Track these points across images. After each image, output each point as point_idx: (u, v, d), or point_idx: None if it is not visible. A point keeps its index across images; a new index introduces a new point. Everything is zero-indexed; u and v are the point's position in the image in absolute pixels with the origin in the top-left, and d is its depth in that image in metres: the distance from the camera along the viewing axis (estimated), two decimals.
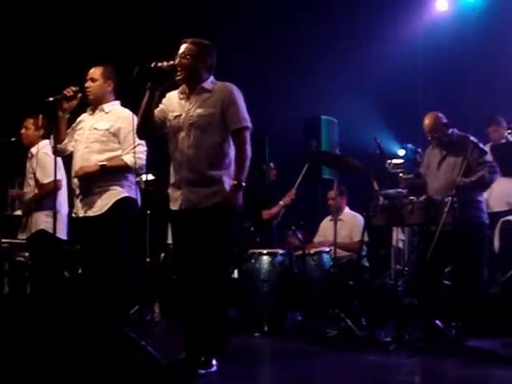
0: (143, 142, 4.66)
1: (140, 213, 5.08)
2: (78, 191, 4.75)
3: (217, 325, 4.07)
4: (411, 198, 5.23)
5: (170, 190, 4.27)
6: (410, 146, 6.79)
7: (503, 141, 6.55)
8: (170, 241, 7.33)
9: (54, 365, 2.94)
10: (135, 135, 4.52)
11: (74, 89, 4.71)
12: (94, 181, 4.69)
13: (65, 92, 4.68)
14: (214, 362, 3.98)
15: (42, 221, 5.64)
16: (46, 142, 5.68)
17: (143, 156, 4.69)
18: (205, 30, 4.60)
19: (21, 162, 6.02)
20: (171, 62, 4.04)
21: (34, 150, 5.79)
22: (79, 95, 4.75)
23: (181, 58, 4.12)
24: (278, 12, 8.55)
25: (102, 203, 4.68)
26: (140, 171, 4.79)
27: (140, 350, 3.14)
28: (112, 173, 4.70)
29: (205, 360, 3.96)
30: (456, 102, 7.91)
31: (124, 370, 3.05)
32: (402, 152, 6.98)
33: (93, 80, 4.81)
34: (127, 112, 4.78)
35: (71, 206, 5.26)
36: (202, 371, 3.90)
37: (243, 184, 4.05)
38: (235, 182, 4.04)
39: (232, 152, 4.17)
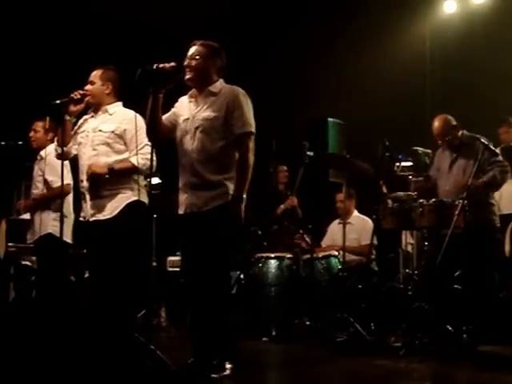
0: (149, 143, 4.59)
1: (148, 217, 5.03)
2: (86, 194, 4.71)
3: (224, 328, 4.02)
4: (421, 200, 5.18)
5: (178, 195, 4.23)
6: (420, 149, 6.73)
7: None
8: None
9: (61, 368, 2.92)
10: (141, 136, 4.49)
11: (81, 92, 4.68)
12: (102, 184, 4.64)
13: (72, 95, 4.66)
14: (227, 365, 3.92)
15: (49, 224, 5.61)
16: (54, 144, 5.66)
17: (150, 157, 4.63)
18: (208, 32, 4.57)
19: (27, 166, 5.99)
20: (173, 64, 4.00)
21: (43, 152, 5.77)
22: (86, 99, 4.72)
23: (190, 59, 4.09)
24: (283, 13, 8.52)
25: (112, 207, 4.63)
26: (148, 172, 4.73)
27: (149, 354, 3.11)
28: (121, 175, 4.66)
29: (218, 364, 3.91)
30: (464, 104, 7.85)
31: (133, 373, 3.02)
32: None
33: (92, 83, 4.80)
34: (132, 113, 4.74)
35: (77, 210, 5.22)
36: (215, 375, 3.85)
37: (244, 196, 3.99)
38: (235, 194, 3.97)
39: (236, 156, 4.10)
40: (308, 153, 6.76)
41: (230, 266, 4.19)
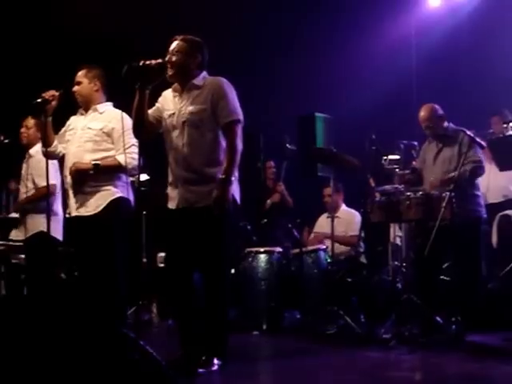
0: (136, 143, 4.61)
1: (135, 213, 5.05)
2: (71, 190, 4.75)
3: (219, 324, 4.06)
4: (408, 193, 5.20)
5: (168, 189, 4.25)
6: (404, 142, 6.77)
7: (500, 135, 6.52)
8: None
9: (53, 366, 2.92)
10: (129, 136, 4.50)
11: (49, 94, 4.65)
12: (87, 180, 4.67)
13: (47, 97, 4.64)
14: (215, 361, 3.97)
15: (41, 222, 5.62)
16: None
17: (136, 156, 4.65)
18: (198, 26, 4.57)
19: (15, 164, 5.98)
20: (159, 60, 4.03)
21: (32, 151, 5.78)
22: (54, 103, 4.68)
23: (171, 54, 4.12)
24: (272, 9, 8.53)
25: (97, 203, 4.66)
26: (133, 172, 4.74)
27: (139, 350, 3.12)
28: (105, 172, 4.68)
29: (206, 359, 3.96)
30: (450, 97, 7.89)
31: (123, 370, 3.03)
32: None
33: (78, 83, 4.83)
34: (121, 113, 4.78)
35: (65, 207, 5.23)
36: (203, 370, 3.89)
37: (232, 179, 4.00)
38: (222, 177, 3.98)
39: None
40: (289, 146, 6.83)
41: (228, 261, 4.22)
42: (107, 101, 4.92)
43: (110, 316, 4.41)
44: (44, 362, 3.03)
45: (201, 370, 3.89)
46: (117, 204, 4.68)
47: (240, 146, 4.07)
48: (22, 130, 5.95)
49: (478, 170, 5.34)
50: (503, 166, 6.07)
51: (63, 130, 4.91)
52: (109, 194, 4.69)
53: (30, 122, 5.92)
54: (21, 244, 5.91)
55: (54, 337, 3.05)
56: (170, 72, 4.09)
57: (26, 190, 5.86)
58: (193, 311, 4.09)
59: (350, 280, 6.20)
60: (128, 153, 4.58)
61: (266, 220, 7.05)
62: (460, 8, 8.76)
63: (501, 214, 6.33)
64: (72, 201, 4.73)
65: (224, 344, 4.10)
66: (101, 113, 4.81)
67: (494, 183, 6.24)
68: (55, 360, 2.94)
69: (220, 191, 3.95)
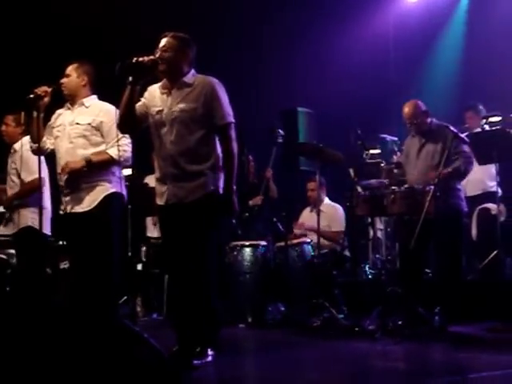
0: (127, 135, 4.65)
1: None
2: (65, 187, 4.75)
3: (209, 316, 4.11)
4: (393, 187, 5.27)
5: (155, 185, 4.29)
6: (388, 137, 6.88)
7: (478, 129, 6.62)
8: (149, 234, 7.39)
9: (57, 363, 2.95)
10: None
11: (41, 90, 4.68)
12: (81, 176, 4.68)
13: (39, 93, 4.66)
14: (209, 352, 4.03)
15: (28, 217, 5.62)
16: (28, 138, 5.65)
17: (128, 148, 4.70)
18: (181, 22, 4.59)
19: (2, 158, 5.97)
20: (152, 57, 4.06)
21: (17, 145, 5.76)
22: (46, 99, 4.71)
23: (161, 51, 4.13)
24: (253, 5, 8.57)
25: (91, 199, 4.68)
26: (126, 163, 4.78)
27: (143, 342, 3.16)
28: (98, 167, 4.70)
29: (200, 351, 4.00)
30: (427, 92, 8.01)
31: (128, 363, 3.06)
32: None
33: (67, 76, 4.85)
34: (108, 105, 4.80)
35: (55, 202, 5.24)
36: (197, 362, 3.94)
37: (234, 188, 4.07)
38: (226, 187, 4.06)
39: (215, 144, 4.18)
40: (279, 130, 6.88)
41: (213, 254, 4.28)
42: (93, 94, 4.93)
43: (108, 310, 4.45)
44: (47, 358, 3.06)
45: (196, 362, 3.93)
46: (111, 199, 4.72)
47: (236, 149, 4.14)
48: (2, 128, 5.95)
49: (471, 166, 5.49)
50: (481, 161, 6.17)
51: (49, 124, 4.91)
52: (103, 189, 4.72)
53: (9, 119, 5.91)
54: (8, 238, 5.91)
55: (55, 333, 3.08)
56: (161, 68, 4.12)
57: (11, 185, 5.84)
58: (189, 304, 4.14)
59: (334, 273, 6.28)
60: (120, 145, 4.61)
61: (247, 214, 7.09)
62: (437, 3, 8.88)
63: (480, 207, 6.45)
64: (66, 198, 4.74)
65: (215, 334, 4.16)
66: (87, 107, 4.82)
67: (472, 177, 6.32)
68: (59, 356, 2.97)
69: (228, 203, 4.06)
